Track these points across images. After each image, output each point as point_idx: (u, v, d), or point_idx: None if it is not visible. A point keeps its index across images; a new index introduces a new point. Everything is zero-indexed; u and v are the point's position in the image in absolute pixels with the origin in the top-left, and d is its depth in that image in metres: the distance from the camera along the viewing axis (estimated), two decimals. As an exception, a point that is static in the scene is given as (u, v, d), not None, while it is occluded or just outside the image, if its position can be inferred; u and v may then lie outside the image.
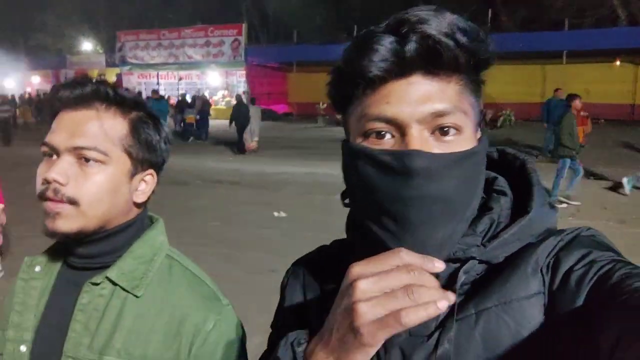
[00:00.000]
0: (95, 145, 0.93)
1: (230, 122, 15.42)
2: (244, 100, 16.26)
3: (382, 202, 0.65)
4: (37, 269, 1.05)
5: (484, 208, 0.72)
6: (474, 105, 0.68)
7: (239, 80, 26.89)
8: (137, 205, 1.03)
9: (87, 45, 35.99)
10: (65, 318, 0.99)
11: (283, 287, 0.91)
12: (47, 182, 0.92)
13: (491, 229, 0.70)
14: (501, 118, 20.38)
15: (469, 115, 0.66)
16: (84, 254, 1.01)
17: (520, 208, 0.71)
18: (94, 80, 0.99)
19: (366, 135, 0.67)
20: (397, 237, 0.64)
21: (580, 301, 0.58)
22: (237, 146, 15.44)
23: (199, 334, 0.97)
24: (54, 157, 0.95)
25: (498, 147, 0.82)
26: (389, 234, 0.65)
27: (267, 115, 22.73)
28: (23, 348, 0.99)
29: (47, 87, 30.92)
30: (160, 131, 1.04)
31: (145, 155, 1.00)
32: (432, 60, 0.63)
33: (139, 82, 28.73)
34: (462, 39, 0.62)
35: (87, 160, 0.93)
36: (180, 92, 23.50)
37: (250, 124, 15.19)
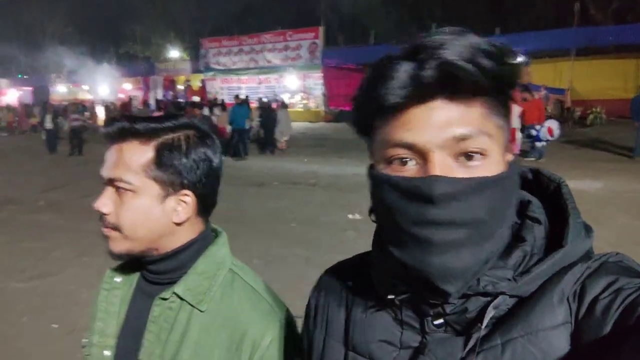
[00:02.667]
0: (120, 177, 1.01)
1: (260, 126, 16.96)
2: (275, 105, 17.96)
3: (406, 226, 0.64)
4: (118, 279, 1.15)
5: (517, 237, 0.69)
6: (501, 127, 0.66)
7: (316, 83, 27.14)
8: (178, 224, 1.07)
9: (174, 53, 37.46)
10: (141, 327, 1.07)
11: (309, 303, 0.94)
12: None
13: (523, 262, 0.67)
14: (590, 116, 19.26)
15: (494, 138, 0.65)
16: (153, 270, 1.10)
17: (555, 237, 0.68)
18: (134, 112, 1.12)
19: (389, 161, 0.67)
20: (419, 260, 0.64)
21: (606, 331, 0.57)
22: (264, 146, 16.71)
23: (257, 349, 1.02)
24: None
25: (532, 167, 0.79)
26: (412, 257, 0.65)
27: (342, 116, 22.76)
28: (107, 352, 1.10)
29: (139, 94, 32.74)
30: (191, 153, 1.04)
31: (172, 179, 1.04)
32: (451, 86, 0.62)
33: (221, 87, 29.77)
34: (485, 62, 0.60)
35: (119, 189, 1.03)
36: (259, 95, 24.09)
37: (280, 126, 16.40)
